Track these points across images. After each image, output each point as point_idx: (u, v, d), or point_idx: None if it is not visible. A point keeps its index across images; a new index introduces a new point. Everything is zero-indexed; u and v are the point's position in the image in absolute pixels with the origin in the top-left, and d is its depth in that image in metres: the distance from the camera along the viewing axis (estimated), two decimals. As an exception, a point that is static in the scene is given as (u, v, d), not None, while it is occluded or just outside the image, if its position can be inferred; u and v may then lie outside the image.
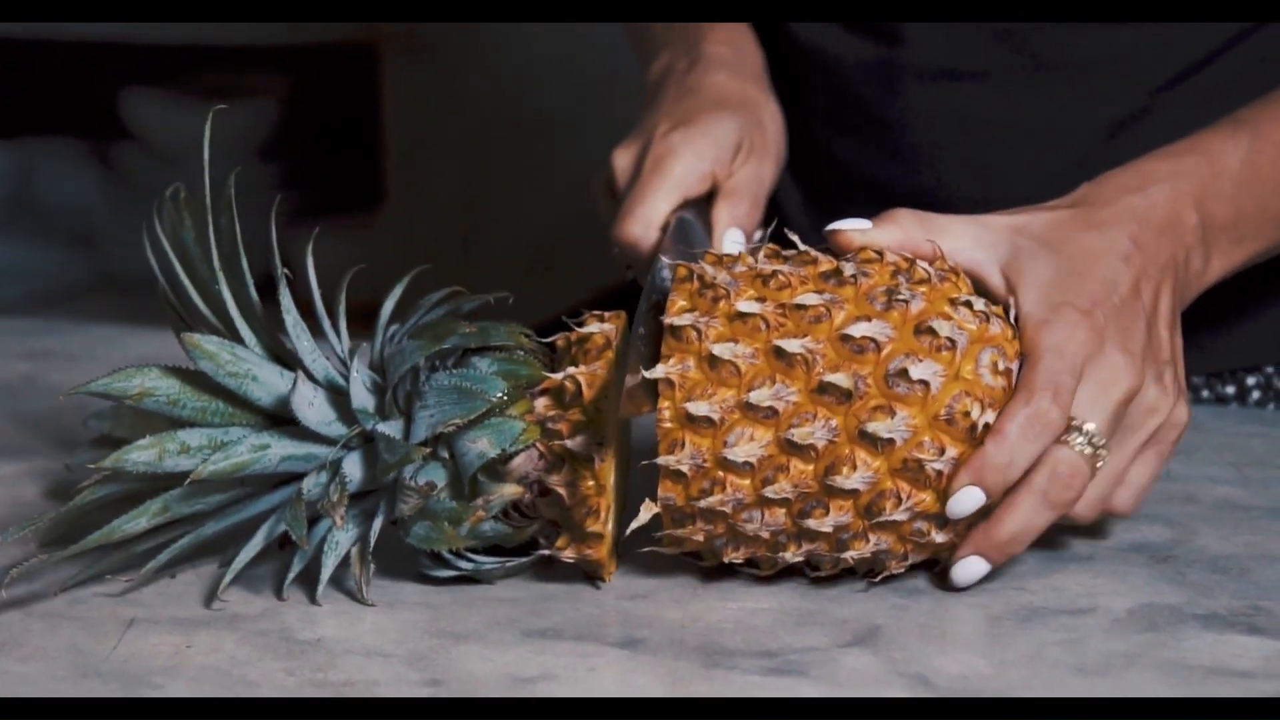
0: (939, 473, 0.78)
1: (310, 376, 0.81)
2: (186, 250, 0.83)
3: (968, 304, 0.80)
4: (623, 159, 1.01)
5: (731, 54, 1.09)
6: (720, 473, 0.77)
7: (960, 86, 1.10)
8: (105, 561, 0.81)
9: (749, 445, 0.77)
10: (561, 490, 0.80)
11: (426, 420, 0.79)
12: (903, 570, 0.81)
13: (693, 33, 1.11)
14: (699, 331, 0.78)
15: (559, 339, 0.83)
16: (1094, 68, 1.09)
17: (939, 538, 0.80)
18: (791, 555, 0.79)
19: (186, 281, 0.82)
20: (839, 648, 0.77)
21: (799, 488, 0.77)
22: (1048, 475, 0.80)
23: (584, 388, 0.80)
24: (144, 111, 2.72)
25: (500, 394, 0.80)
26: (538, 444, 0.81)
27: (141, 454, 0.79)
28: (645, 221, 0.96)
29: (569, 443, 0.80)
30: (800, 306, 0.78)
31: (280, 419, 0.81)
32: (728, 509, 0.78)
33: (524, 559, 0.82)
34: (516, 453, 0.80)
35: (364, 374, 0.82)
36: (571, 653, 0.77)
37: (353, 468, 0.81)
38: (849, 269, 0.80)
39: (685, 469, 0.77)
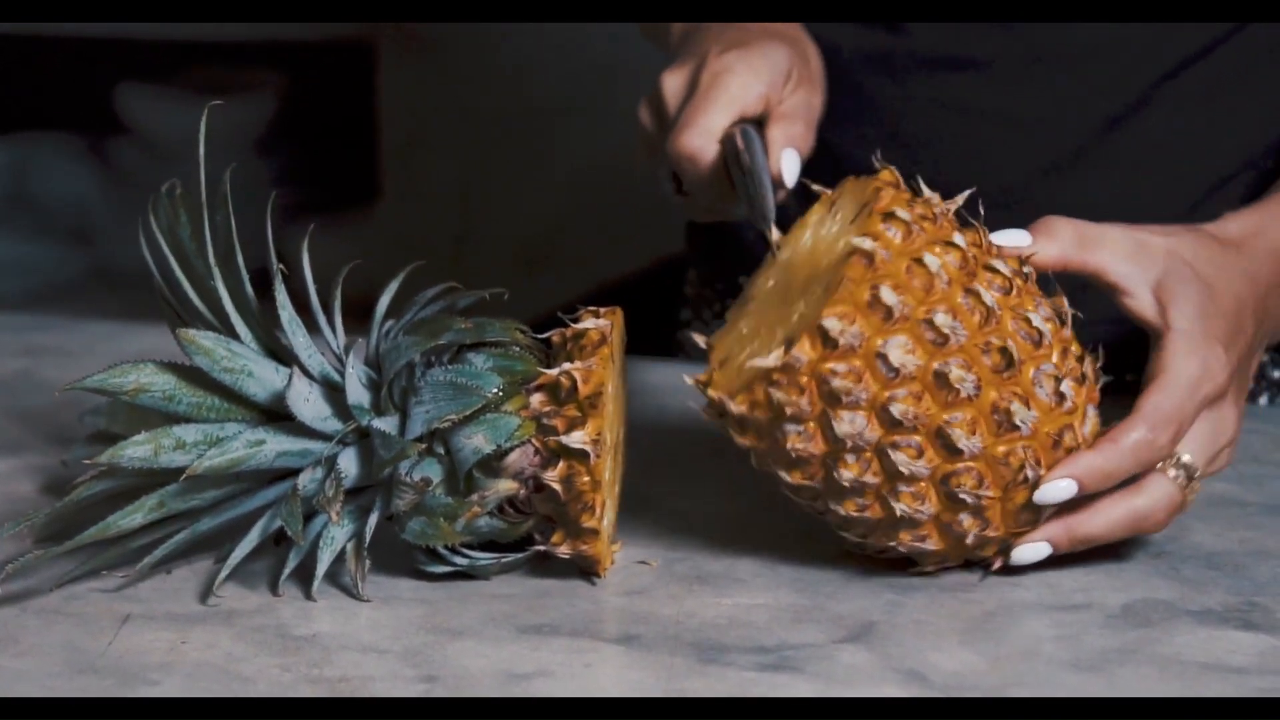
0: (1025, 480, 0.79)
1: (306, 372, 0.81)
2: (182, 246, 0.83)
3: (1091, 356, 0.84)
4: (674, 80, 0.99)
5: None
6: (861, 363, 0.77)
7: (959, 76, 1.10)
8: (101, 557, 0.81)
9: (907, 355, 0.77)
10: (557, 486, 0.80)
11: (422, 416, 0.79)
12: (904, 549, 0.81)
13: None
14: (910, 232, 0.79)
15: (554, 335, 0.83)
16: (1092, 60, 1.09)
17: (969, 539, 0.80)
18: (845, 475, 0.78)
19: (182, 278, 0.82)
20: (834, 644, 0.77)
21: (917, 419, 0.77)
22: (1148, 501, 0.82)
23: (579, 383, 0.80)
24: (140, 107, 2.72)
25: (496, 390, 0.80)
26: (533, 440, 0.81)
27: (137, 450, 0.79)
28: (705, 132, 0.94)
29: (564, 438, 0.80)
30: (992, 269, 0.80)
31: (276, 415, 0.81)
32: (841, 399, 0.77)
33: (519, 555, 0.83)
34: (512, 448, 0.80)
35: (360, 370, 0.82)
36: (567, 649, 0.77)
37: (348, 463, 0.81)
38: (1027, 268, 0.82)
39: (839, 341, 0.77)
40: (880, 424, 0.78)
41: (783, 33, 1.03)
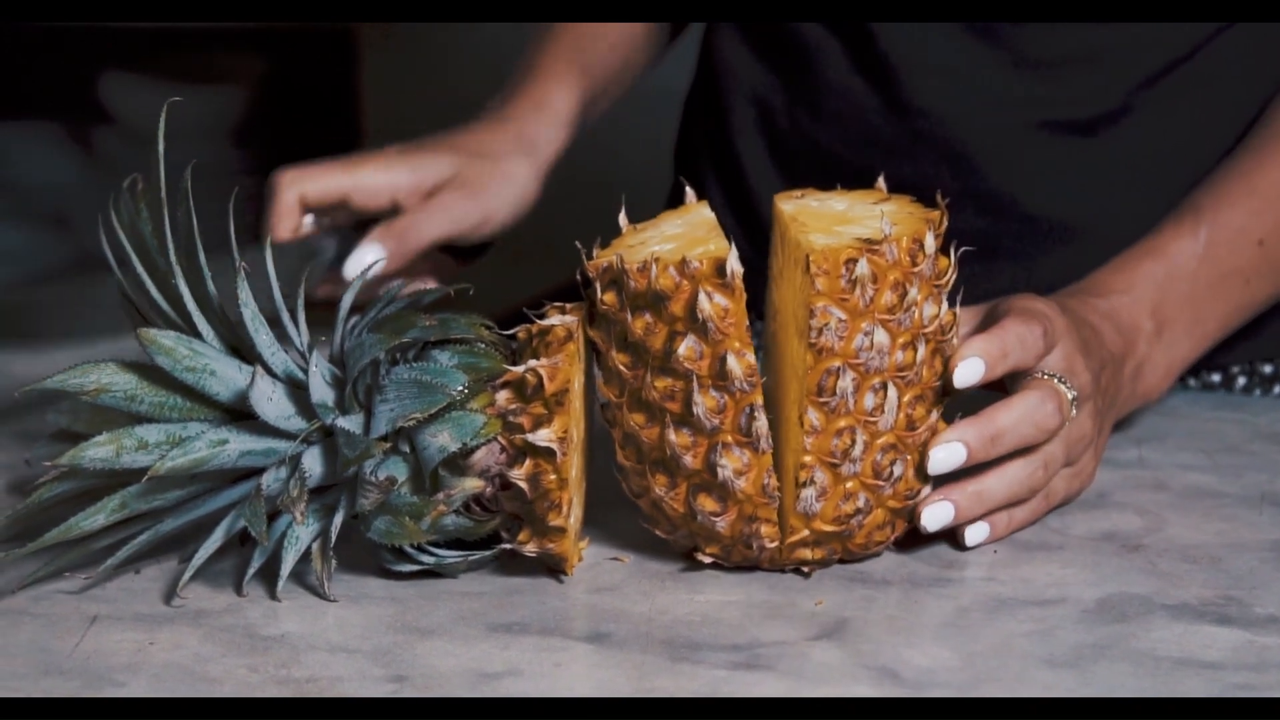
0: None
1: (269, 370, 0.80)
2: (144, 243, 0.82)
3: None
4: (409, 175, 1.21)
5: (541, 113, 1.21)
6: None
7: (939, 81, 1.10)
8: (65, 558, 0.81)
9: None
10: (523, 484, 0.79)
11: (386, 414, 0.78)
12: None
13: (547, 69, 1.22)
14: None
15: (520, 331, 0.82)
16: (1072, 66, 1.08)
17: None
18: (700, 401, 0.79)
19: (144, 274, 0.81)
20: (806, 641, 0.76)
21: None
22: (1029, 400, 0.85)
23: (545, 381, 0.79)
24: (122, 95, 2.71)
25: (461, 387, 0.79)
26: (499, 437, 0.80)
27: (98, 450, 0.78)
28: (416, 247, 1.09)
29: (531, 436, 0.79)
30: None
31: (239, 414, 0.80)
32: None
33: (486, 553, 0.82)
34: (477, 446, 0.79)
35: (323, 368, 0.81)
36: (537, 647, 0.76)
37: (313, 462, 0.80)
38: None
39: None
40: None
41: (476, 151, 1.17)
